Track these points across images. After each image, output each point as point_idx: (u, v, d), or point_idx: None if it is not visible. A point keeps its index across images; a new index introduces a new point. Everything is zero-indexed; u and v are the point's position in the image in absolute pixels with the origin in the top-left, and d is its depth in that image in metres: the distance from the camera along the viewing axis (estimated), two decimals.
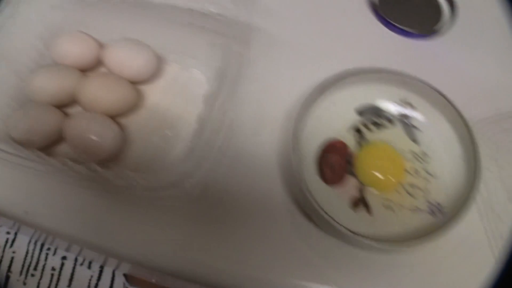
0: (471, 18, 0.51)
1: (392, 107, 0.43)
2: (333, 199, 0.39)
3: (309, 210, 0.38)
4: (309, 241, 0.39)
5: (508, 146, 0.45)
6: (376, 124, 0.42)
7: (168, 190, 0.38)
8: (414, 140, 0.42)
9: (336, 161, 0.41)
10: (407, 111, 0.43)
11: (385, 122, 0.43)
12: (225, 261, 0.38)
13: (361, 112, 0.42)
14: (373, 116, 0.43)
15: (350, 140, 0.42)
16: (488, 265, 0.40)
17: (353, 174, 0.41)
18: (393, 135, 0.42)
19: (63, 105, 0.43)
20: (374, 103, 0.43)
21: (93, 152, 0.39)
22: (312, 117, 0.41)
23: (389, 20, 0.48)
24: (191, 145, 0.39)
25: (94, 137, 0.39)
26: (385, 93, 0.42)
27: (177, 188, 0.39)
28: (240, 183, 0.41)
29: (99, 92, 0.41)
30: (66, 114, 0.42)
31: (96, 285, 0.75)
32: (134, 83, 0.43)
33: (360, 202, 0.40)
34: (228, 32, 0.45)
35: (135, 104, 0.43)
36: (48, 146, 0.41)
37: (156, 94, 0.44)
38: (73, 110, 0.43)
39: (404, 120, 0.43)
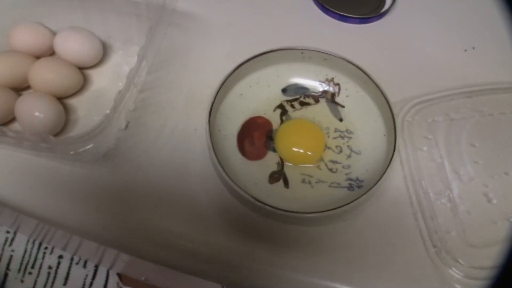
0: (409, 5, 0.47)
1: (317, 85, 0.39)
2: (252, 173, 0.35)
3: (223, 182, 0.34)
4: (228, 212, 0.35)
5: (439, 125, 0.40)
6: (301, 102, 0.39)
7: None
8: (339, 118, 0.38)
9: (257, 137, 0.37)
10: (332, 89, 0.38)
11: (310, 100, 0.39)
12: (138, 226, 0.35)
13: (286, 90, 0.39)
14: (298, 94, 0.39)
15: (275, 118, 0.38)
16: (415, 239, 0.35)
17: (274, 150, 0.37)
18: (318, 112, 0.38)
19: (19, 88, 0.42)
20: (299, 82, 0.39)
21: (37, 127, 0.38)
22: (234, 94, 0.37)
23: (325, 5, 0.44)
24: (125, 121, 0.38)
25: (38, 114, 0.38)
26: (310, 71, 0.38)
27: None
28: (166, 157, 0.38)
29: (47, 75, 0.40)
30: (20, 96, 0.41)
31: (91, 284, 0.73)
32: (81, 68, 0.42)
33: (279, 176, 0.36)
34: (167, 19, 0.43)
35: (81, 86, 0.41)
36: (4, 124, 0.40)
37: (100, 78, 0.42)
38: (27, 92, 0.42)
39: (329, 98, 0.38)
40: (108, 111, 0.34)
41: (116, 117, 0.34)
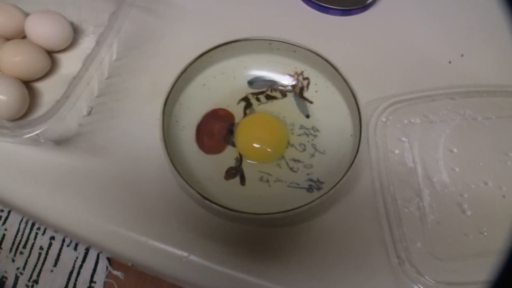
0: None
1: (286, 79, 0.36)
2: (208, 168, 0.33)
3: (173, 175, 0.33)
4: (178, 207, 0.34)
5: (415, 128, 0.37)
6: (268, 96, 0.36)
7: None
8: (306, 114, 0.36)
9: (217, 130, 0.35)
10: (301, 84, 0.36)
11: (277, 94, 0.36)
12: (91, 214, 0.34)
13: (252, 83, 0.36)
14: (265, 87, 0.36)
15: (238, 111, 0.36)
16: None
17: (234, 144, 0.35)
18: (284, 107, 0.36)
19: None
20: (266, 74, 0.36)
21: (0, 109, 0.37)
22: (197, 85, 0.35)
23: None
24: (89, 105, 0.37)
25: (1, 97, 0.37)
26: (278, 64, 0.36)
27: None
28: (125, 145, 0.36)
29: (14, 58, 0.38)
30: None
31: (81, 266, 0.73)
32: (51, 52, 0.41)
33: (236, 172, 0.34)
34: (143, 4, 0.41)
35: (48, 70, 0.40)
36: None
37: (70, 62, 0.41)
38: None
39: (297, 93, 0.36)
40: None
41: (68, 104, 0.33)
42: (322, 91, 0.35)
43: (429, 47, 0.41)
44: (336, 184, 0.30)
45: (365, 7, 0.41)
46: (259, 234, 0.33)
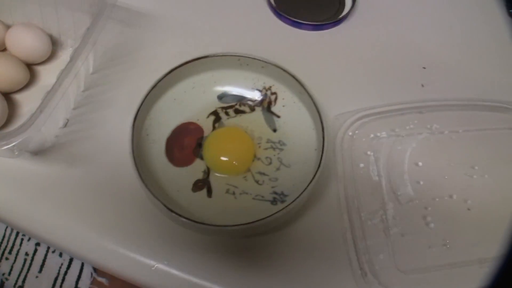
0: (368, 12, 0.44)
1: (254, 94, 0.37)
2: (177, 180, 0.34)
3: (141, 187, 0.34)
4: (148, 218, 0.35)
5: (382, 141, 0.38)
6: (236, 110, 0.37)
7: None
8: (273, 128, 0.36)
9: (187, 143, 0.36)
10: (269, 98, 0.37)
11: (246, 108, 0.37)
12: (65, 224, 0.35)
13: (222, 97, 0.37)
14: (234, 102, 0.37)
15: (207, 125, 0.37)
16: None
17: (202, 157, 0.36)
18: (252, 121, 0.37)
19: None
20: (236, 89, 0.37)
21: None
22: (167, 99, 0.36)
23: (278, 10, 0.43)
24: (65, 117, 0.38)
25: None
26: (247, 79, 0.37)
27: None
28: (100, 157, 0.38)
29: None
30: None
31: (66, 273, 0.74)
32: (30, 64, 0.42)
33: (203, 185, 0.35)
34: (122, 17, 0.42)
35: (26, 82, 0.41)
36: None
37: (49, 75, 0.42)
38: None
39: (265, 107, 0.37)
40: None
41: (43, 117, 0.34)
42: (289, 106, 0.36)
43: (400, 62, 0.42)
44: (297, 197, 0.31)
45: (337, 22, 0.42)
46: (226, 245, 0.34)
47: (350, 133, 0.37)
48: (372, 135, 0.37)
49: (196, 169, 0.35)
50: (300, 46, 0.42)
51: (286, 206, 0.30)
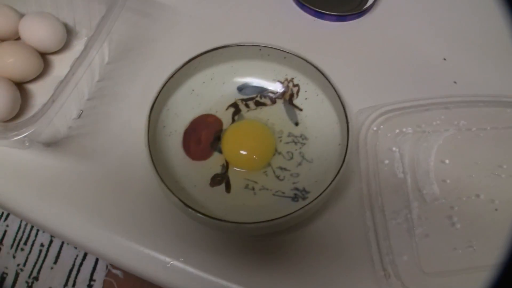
0: (392, 4, 0.42)
1: (276, 85, 0.36)
2: (194, 174, 0.33)
3: (157, 182, 0.32)
4: (163, 214, 0.33)
5: (407, 137, 0.36)
6: (257, 102, 0.36)
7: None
8: (295, 122, 0.35)
9: (204, 136, 0.34)
10: (291, 90, 0.35)
11: (266, 100, 0.36)
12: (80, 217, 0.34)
13: (242, 89, 0.36)
14: (255, 94, 0.36)
15: (226, 117, 0.35)
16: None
17: (221, 151, 0.34)
18: (273, 114, 0.35)
19: None
20: (256, 80, 0.36)
21: None
22: (185, 90, 0.35)
23: (302, 1, 0.41)
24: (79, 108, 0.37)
25: None
26: (268, 70, 0.35)
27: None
28: (114, 149, 0.36)
29: (7, 59, 0.39)
30: None
31: (81, 264, 0.73)
32: (44, 53, 0.41)
33: (222, 179, 0.33)
34: (138, 7, 0.41)
35: (40, 72, 0.40)
36: None
37: (63, 64, 0.41)
38: None
39: (287, 100, 0.35)
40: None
41: (55, 107, 0.33)
42: (311, 99, 0.34)
43: (425, 55, 0.40)
44: (320, 194, 0.29)
45: (361, 13, 0.40)
46: (243, 243, 0.33)
47: (375, 128, 0.35)
48: (397, 131, 0.36)
49: (214, 163, 0.34)
50: (323, 37, 0.40)
51: (309, 204, 0.29)
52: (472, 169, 0.35)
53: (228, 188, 0.33)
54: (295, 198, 0.32)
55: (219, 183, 0.33)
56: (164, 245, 0.33)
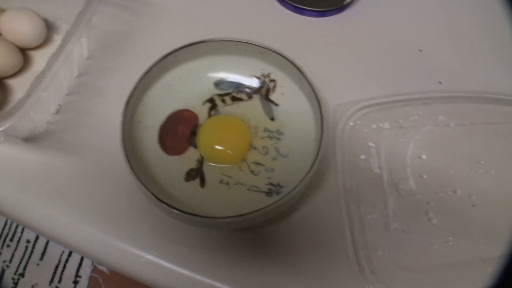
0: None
1: (252, 81, 0.35)
2: (169, 169, 0.33)
3: (131, 175, 0.32)
4: (139, 208, 0.33)
5: (384, 133, 0.36)
6: (233, 97, 0.35)
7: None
8: (270, 117, 0.35)
9: (181, 131, 0.34)
10: (268, 86, 0.35)
11: (243, 95, 0.35)
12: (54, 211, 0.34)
13: (218, 84, 0.36)
14: (232, 89, 0.36)
15: (203, 112, 0.35)
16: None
17: (196, 146, 0.34)
18: (249, 109, 0.35)
19: None
20: (233, 76, 0.36)
21: None
22: (162, 85, 0.35)
23: None
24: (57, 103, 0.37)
25: None
26: (245, 65, 0.35)
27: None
28: (92, 144, 0.36)
29: None
30: None
31: (67, 260, 0.73)
32: (24, 49, 0.40)
33: (197, 174, 0.33)
34: (118, 1, 0.41)
35: (20, 67, 0.40)
36: None
37: (43, 59, 0.40)
38: None
39: (264, 95, 0.35)
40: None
41: (31, 102, 0.32)
42: (288, 94, 0.34)
43: (406, 51, 0.40)
44: (293, 189, 0.29)
45: (341, 8, 0.40)
46: (218, 237, 0.33)
47: (352, 124, 0.35)
48: (374, 126, 0.35)
49: (189, 158, 0.33)
50: (302, 33, 0.40)
51: (281, 199, 0.29)
52: (450, 165, 0.35)
53: (202, 182, 0.32)
54: (269, 193, 0.32)
55: (194, 178, 0.33)
56: (139, 239, 0.32)
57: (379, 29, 0.41)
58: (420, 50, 0.39)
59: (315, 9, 0.40)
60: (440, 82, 0.38)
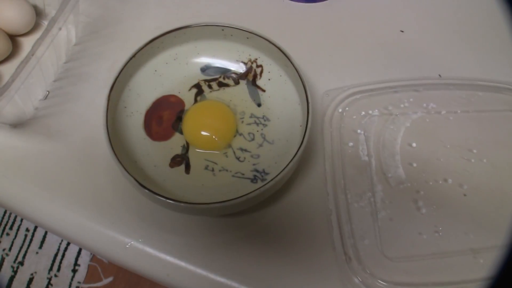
0: None
1: (239, 66, 0.34)
2: (154, 155, 0.32)
3: (115, 162, 0.31)
4: (124, 194, 0.33)
5: (373, 119, 0.35)
6: (220, 83, 0.34)
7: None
8: (257, 103, 0.34)
9: (166, 117, 0.33)
10: (254, 71, 0.34)
11: (229, 81, 0.34)
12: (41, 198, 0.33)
13: (205, 69, 0.35)
14: (218, 74, 0.35)
15: (189, 98, 0.34)
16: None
17: (182, 131, 0.33)
18: (236, 95, 0.34)
19: None
20: (220, 61, 0.35)
21: None
22: (147, 70, 0.34)
23: None
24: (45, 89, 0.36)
25: None
26: (232, 50, 0.34)
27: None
28: (78, 130, 0.35)
29: None
30: None
31: (65, 249, 0.73)
32: (13, 35, 0.40)
33: (182, 160, 0.32)
34: None
35: (8, 53, 0.39)
36: None
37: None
38: None
39: (250, 80, 0.34)
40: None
41: (14, 87, 0.32)
42: (275, 80, 0.33)
43: (395, 37, 0.39)
44: (276, 176, 0.28)
45: None
46: (203, 223, 0.32)
47: (340, 110, 0.34)
48: (363, 113, 0.34)
49: (174, 144, 0.33)
50: (291, 18, 0.39)
51: (264, 185, 0.28)
52: (441, 153, 0.34)
53: (187, 169, 0.32)
54: (254, 179, 0.31)
55: (179, 164, 0.32)
56: (124, 225, 0.32)
57: (369, 15, 0.39)
58: (401, 31, 0.37)
59: None
60: (439, 76, 0.37)
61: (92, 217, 0.32)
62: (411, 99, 0.35)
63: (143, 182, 0.28)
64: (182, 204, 0.28)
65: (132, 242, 0.31)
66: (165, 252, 0.31)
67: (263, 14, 0.39)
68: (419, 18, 0.40)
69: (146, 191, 0.28)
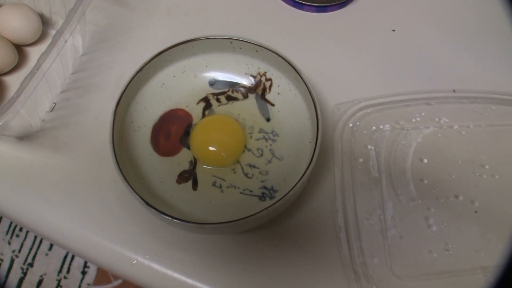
0: None
1: (248, 79, 0.33)
2: (161, 170, 0.31)
3: (121, 179, 0.30)
4: (132, 210, 0.32)
5: (384, 134, 0.33)
6: (228, 96, 0.33)
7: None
8: (266, 117, 0.33)
9: (174, 131, 0.32)
10: (263, 85, 0.33)
11: (238, 95, 0.33)
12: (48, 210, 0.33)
13: (213, 83, 0.34)
14: (227, 88, 0.33)
15: (197, 111, 0.33)
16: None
17: (189, 146, 0.32)
18: (245, 109, 0.33)
19: None
20: (229, 74, 0.33)
21: None
22: (155, 84, 0.33)
23: None
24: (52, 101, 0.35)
25: None
26: (241, 63, 0.33)
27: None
28: (84, 142, 0.34)
29: None
30: None
31: None
32: (20, 45, 0.39)
33: (189, 176, 0.31)
34: None
35: (15, 64, 0.38)
36: None
37: (39, 55, 0.39)
38: None
39: (259, 94, 0.33)
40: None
41: (21, 100, 0.31)
42: (284, 94, 0.32)
43: (408, 49, 0.37)
44: (285, 195, 0.27)
45: (341, 4, 0.38)
46: (210, 241, 0.31)
47: (351, 125, 0.33)
48: (374, 128, 0.33)
49: (182, 159, 0.31)
50: (301, 29, 0.38)
51: (273, 204, 0.27)
52: (452, 169, 0.33)
53: (195, 185, 0.31)
54: (262, 197, 0.30)
55: (186, 180, 0.31)
56: (131, 241, 0.31)
57: (381, 26, 0.38)
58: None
59: (315, 4, 0.37)
60: (454, 91, 0.35)
61: (99, 232, 0.32)
62: (423, 113, 0.34)
63: (150, 200, 0.27)
64: (190, 224, 0.27)
65: (139, 258, 0.31)
66: (172, 268, 0.30)
67: (273, 24, 0.38)
68: (431, 30, 0.38)
69: (153, 210, 0.27)
